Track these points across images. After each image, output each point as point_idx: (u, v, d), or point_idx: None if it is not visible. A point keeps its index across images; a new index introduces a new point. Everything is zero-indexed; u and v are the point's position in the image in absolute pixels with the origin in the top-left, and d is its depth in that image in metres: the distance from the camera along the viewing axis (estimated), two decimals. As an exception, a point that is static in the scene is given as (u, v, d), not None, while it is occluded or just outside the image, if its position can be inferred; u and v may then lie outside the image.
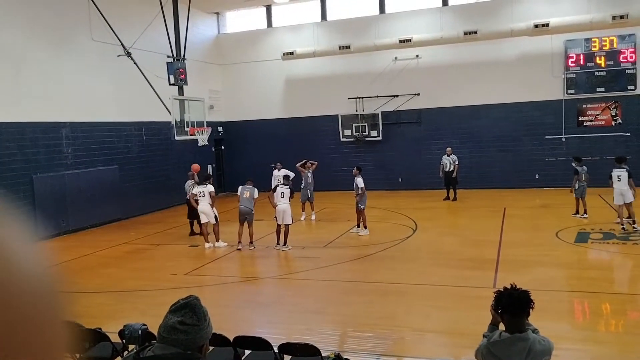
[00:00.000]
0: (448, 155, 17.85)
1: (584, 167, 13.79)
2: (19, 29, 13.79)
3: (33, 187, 13.89)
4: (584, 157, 14.83)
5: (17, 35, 13.73)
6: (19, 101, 13.66)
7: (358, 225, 13.15)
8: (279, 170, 15.48)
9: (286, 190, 11.94)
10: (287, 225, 11.86)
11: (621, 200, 11.91)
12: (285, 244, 11.88)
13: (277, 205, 11.85)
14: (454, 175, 17.67)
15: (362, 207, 12.92)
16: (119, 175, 16.90)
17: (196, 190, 12.51)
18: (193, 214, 13.31)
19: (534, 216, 14.42)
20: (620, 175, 11.96)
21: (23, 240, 0.50)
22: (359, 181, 12.83)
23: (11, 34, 13.56)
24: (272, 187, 12.74)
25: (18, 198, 13.16)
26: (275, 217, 12.14)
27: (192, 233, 13.81)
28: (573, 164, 14.09)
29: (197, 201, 12.44)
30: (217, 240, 12.45)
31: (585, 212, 13.64)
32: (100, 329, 5.74)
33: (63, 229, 14.62)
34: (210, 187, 12.54)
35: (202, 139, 15.55)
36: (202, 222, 12.46)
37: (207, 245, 12.42)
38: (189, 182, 13.67)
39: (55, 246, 13.05)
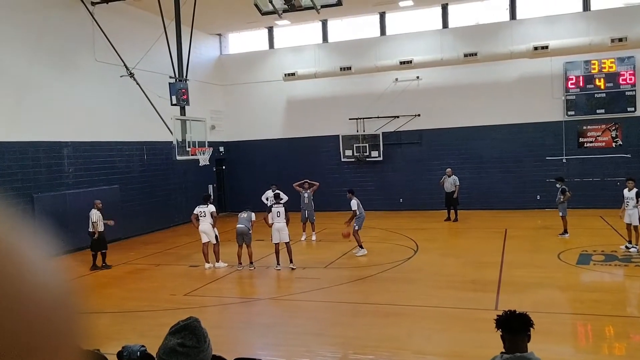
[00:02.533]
0: (448, 176, 17.88)
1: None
2: (23, 49, 13.93)
3: (34, 207, 13.88)
4: (585, 179, 14.87)
5: (21, 54, 13.87)
6: (22, 120, 13.74)
7: (360, 247, 13.08)
8: (273, 191, 15.19)
9: (281, 209, 11.93)
10: (287, 243, 11.83)
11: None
12: (291, 261, 11.82)
13: (272, 224, 11.84)
14: (455, 196, 17.67)
15: (357, 228, 12.91)
16: (119, 195, 16.89)
17: (198, 210, 12.49)
18: (97, 246, 12.71)
19: (535, 237, 14.37)
20: None
21: (43, 254, 0.49)
22: (353, 204, 12.88)
23: (15, 54, 13.70)
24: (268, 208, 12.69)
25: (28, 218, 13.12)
26: (272, 238, 12.08)
27: (94, 267, 12.67)
28: (557, 185, 14.28)
29: (198, 220, 12.43)
30: (217, 261, 12.39)
31: (566, 231, 14.06)
32: (98, 350, 5.67)
33: (63, 248, 14.56)
34: (211, 207, 12.52)
35: (204, 158, 15.59)
36: (203, 241, 12.41)
37: (207, 265, 12.36)
38: (94, 210, 12.68)
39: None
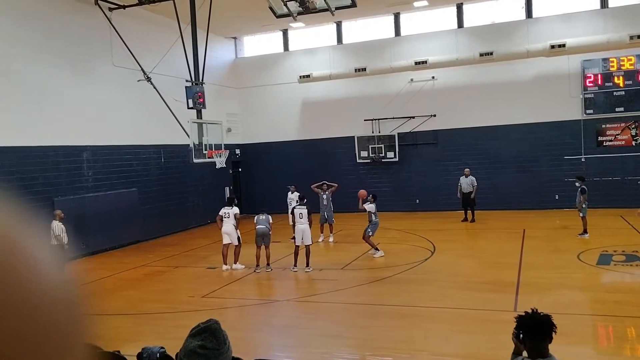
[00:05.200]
0: (466, 177, 17.75)
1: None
2: (42, 55, 14.15)
3: (54, 210, 14.06)
4: (604, 178, 14.67)
5: (40, 60, 14.09)
6: (42, 125, 13.97)
7: (376, 249, 13.01)
8: (292, 192, 15.51)
9: (304, 210, 11.95)
10: (307, 246, 11.84)
11: None
12: (307, 265, 11.85)
13: (295, 226, 11.86)
14: (472, 196, 17.55)
15: (371, 234, 12.82)
16: (138, 198, 17.08)
17: (222, 211, 12.61)
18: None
19: (554, 238, 14.20)
20: None
21: (52, 256, 0.50)
22: (371, 207, 12.80)
23: (34, 59, 13.93)
24: (291, 210, 12.73)
25: (39, 220, 13.32)
26: (294, 238, 12.14)
27: None
28: (577, 184, 14.02)
29: (222, 222, 12.55)
30: (235, 262, 12.46)
31: (586, 231, 13.87)
32: (118, 351, 5.74)
33: (83, 251, 14.76)
34: (235, 209, 12.62)
35: (220, 161, 15.70)
36: (224, 242, 12.50)
37: (224, 267, 12.44)
38: (55, 222, 11.53)
39: (75, 268, 13.17)
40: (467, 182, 17.69)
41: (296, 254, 11.91)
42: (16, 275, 0.45)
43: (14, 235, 0.48)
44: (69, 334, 0.49)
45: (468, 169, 17.94)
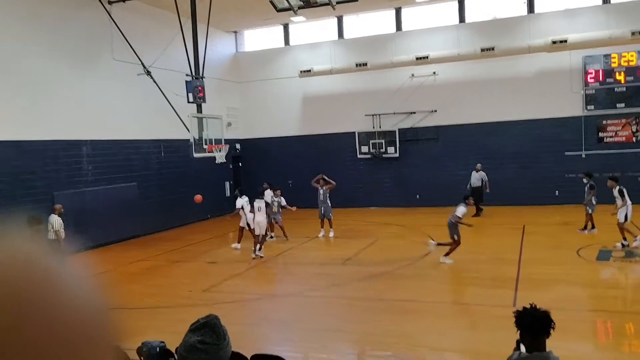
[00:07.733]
0: (477, 171, 17.86)
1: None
2: (42, 49, 14.12)
3: (54, 204, 14.06)
4: (605, 174, 14.65)
5: (40, 54, 14.05)
6: (42, 119, 13.95)
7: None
8: (264, 189, 14.83)
9: (262, 204, 13.14)
10: (259, 235, 12.84)
11: None
12: (258, 249, 12.76)
13: (254, 218, 12.96)
14: (487, 190, 17.69)
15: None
16: (137, 192, 17.07)
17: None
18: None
19: (554, 234, 14.21)
20: None
21: (74, 267, 0.53)
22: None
23: (34, 53, 13.89)
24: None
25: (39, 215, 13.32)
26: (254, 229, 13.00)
27: None
28: (585, 180, 13.97)
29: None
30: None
31: (594, 227, 13.78)
32: (118, 345, 5.74)
33: (83, 245, 14.76)
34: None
35: (220, 156, 15.69)
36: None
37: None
38: (55, 216, 11.24)
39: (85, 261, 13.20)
40: (476, 177, 17.79)
41: (256, 241, 12.87)
42: (52, 289, 0.49)
43: (36, 251, 0.51)
44: (100, 338, 0.53)
45: (479, 164, 18.09)
